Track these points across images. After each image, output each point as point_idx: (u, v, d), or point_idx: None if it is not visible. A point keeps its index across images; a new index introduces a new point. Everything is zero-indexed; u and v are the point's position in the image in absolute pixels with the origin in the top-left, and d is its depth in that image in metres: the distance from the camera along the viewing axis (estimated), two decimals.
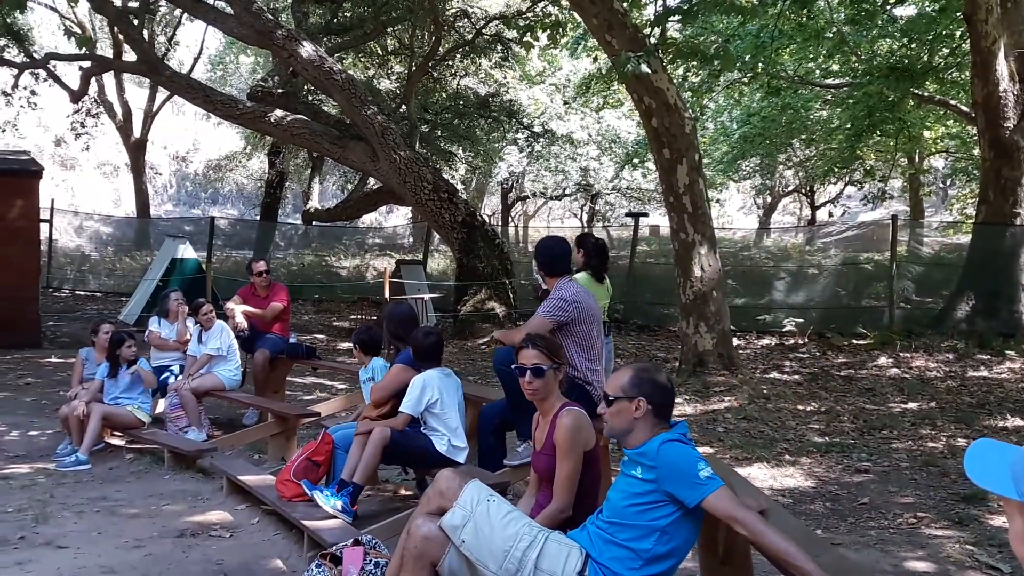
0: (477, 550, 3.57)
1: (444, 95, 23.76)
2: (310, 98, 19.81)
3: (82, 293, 22.78)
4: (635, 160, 24.91)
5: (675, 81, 11.42)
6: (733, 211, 38.41)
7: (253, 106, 16.81)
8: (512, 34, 19.63)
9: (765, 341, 14.29)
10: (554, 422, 4.08)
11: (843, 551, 4.70)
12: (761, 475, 6.94)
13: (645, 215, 21.78)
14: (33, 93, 23.06)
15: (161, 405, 8.47)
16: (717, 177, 25.43)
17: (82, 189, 38.39)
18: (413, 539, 3.75)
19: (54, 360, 12.64)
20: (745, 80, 19.14)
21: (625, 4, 11.20)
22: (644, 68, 9.48)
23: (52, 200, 22.78)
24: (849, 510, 6.15)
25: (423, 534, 3.73)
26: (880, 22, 16.80)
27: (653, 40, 10.34)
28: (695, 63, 13.40)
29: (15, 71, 21.68)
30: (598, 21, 10.69)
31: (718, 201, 29.30)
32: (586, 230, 24.32)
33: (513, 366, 4.36)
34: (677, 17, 11.00)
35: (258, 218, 29.31)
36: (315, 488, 5.44)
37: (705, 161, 13.29)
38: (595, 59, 20.94)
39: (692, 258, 10.90)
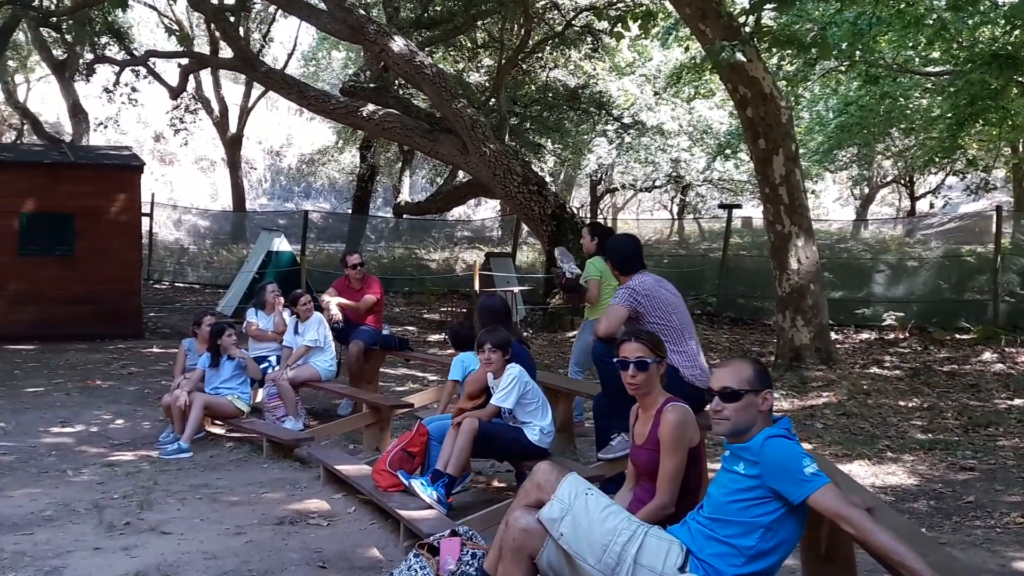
0: (576, 543, 3.55)
1: (533, 87, 23.73)
2: (401, 92, 19.95)
3: (181, 285, 23.38)
4: (727, 151, 24.53)
5: (770, 70, 11.21)
6: (829, 202, 37.56)
7: (345, 101, 16.99)
8: (602, 25, 19.50)
9: (863, 335, 13.98)
10: (658, 417, 4.03)
11: (951, 551, 4.56)
12: (862, 472, 6.78)
13: (738, 207, 21.45)
14: (134, 90, 23.72)
15: (259, 395, 8.63)
16: (812, 168, 24.86)
17: (180, 184, 39.33)
18: (511, 531, 3.74)
19: (156, 350, 12.98)
20: (842, 68, 18.69)
21: None
22: (739, 57, 9.33)
23: (152, 195, 23.39)
24: (954, 509, 5.97)
25: (521, 526, 3.72)
26: (982, 8, 16.23)
27: (748, 29, 10.17)
28: (791, 52, 13.14)
29: (117, 68, 22.31)
30: (691, 10, 10.55)
31: (813, 192, 28.65)
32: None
33: (614, 359, 4.32)
34: (772, 5, 10.78)
35: (350, 212, 29.68)
36: (411, 477, 5.48)
37: (800, 151, 13.01)
38: (686, 49, 20.67)
39: (788, 250, 10.69)
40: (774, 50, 12.25)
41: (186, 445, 7.33)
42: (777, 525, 3.40)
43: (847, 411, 8.91)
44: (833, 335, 12.30)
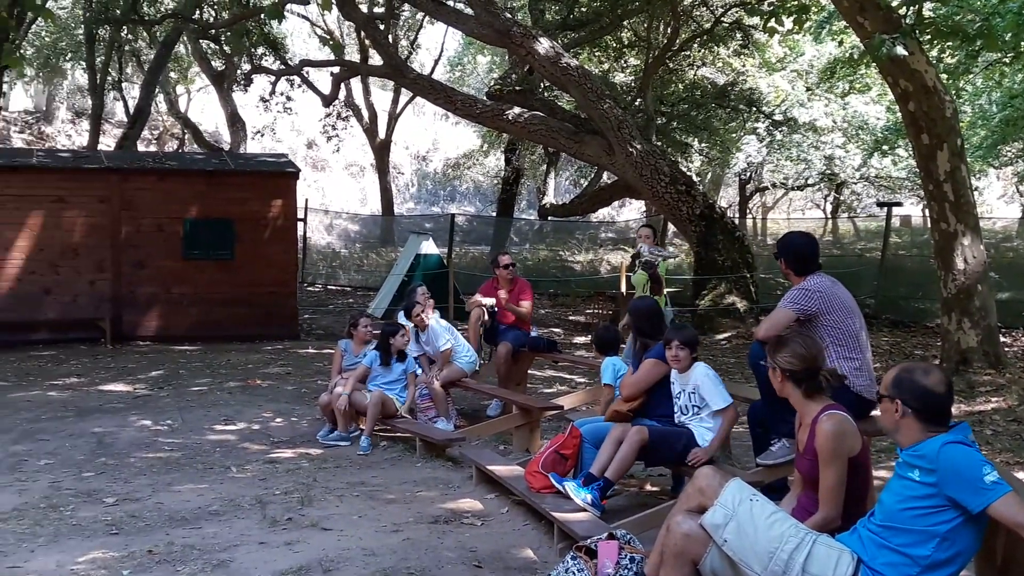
0: (740, 550, 3.46)
1: (680, 86, 23.47)
2: (546, 94, 20.01)
3: (333, 288, 24.01)
4: (884, 147, 23.71)
5: (931, 63, 10.76)
6: (993, 199, 35.92)
7: (491, 104, 17.14)
8: (753, 20, 19.12)
9: None
10: (814, 426, 3.88)
11: None
12: None
13: (898, 204, 20.68)
14: (288, 99, 24.47)
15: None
16: (976, 163, 23.80)
17: (331, 189, 40.47)
18: (673, 536, 3.67)
19: (311, 351, 13.34)
20: (1006, 60, 17.81)
21: None
22: (900, 50, 8.99)
23: (306, 200, 24.11)
24: None
25: (683, 531, 3.65)
26: None
27: (908, 20, 9.77)
28: (953, 44, 12.58)
29: (272, 78, 23.07)
30: (849, 3, 10.18)
31: (976, 189, 27.50)
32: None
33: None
34: None
35: (494, 214, 29.95)
36: (564, 480, 5.45)
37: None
38: (840, 43, 20.10)
39: (954, 249, 10.20)
40: (935, 42, 11.72)
41: (367, 442, 7.48)
42: (954, 535, 3.24)
43: (1018, 417, 8.45)
44: (1001, 338, 11.70)
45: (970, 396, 9.36)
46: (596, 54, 23.86)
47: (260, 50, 23.80)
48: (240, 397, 9.87)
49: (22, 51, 20.70)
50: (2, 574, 4.68)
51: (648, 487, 6.46)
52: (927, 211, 10.81)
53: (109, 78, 26.86)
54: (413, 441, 7.53)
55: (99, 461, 7.09)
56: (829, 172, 26.93)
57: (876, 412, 3.51)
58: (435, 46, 33.72)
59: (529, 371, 9.98)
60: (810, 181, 29.34)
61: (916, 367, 3.53)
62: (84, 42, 25.75)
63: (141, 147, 30.23)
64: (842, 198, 32.85)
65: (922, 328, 14.58)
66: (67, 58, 29.65)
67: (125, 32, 24.23)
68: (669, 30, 20.40)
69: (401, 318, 9.17)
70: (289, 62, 24.42)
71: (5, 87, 25.10)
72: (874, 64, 11.48)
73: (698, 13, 21.40)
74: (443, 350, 8.57)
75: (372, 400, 7.67)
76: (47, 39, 28.76)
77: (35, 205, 13.65)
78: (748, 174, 30.84)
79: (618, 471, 5.37)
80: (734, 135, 25.98)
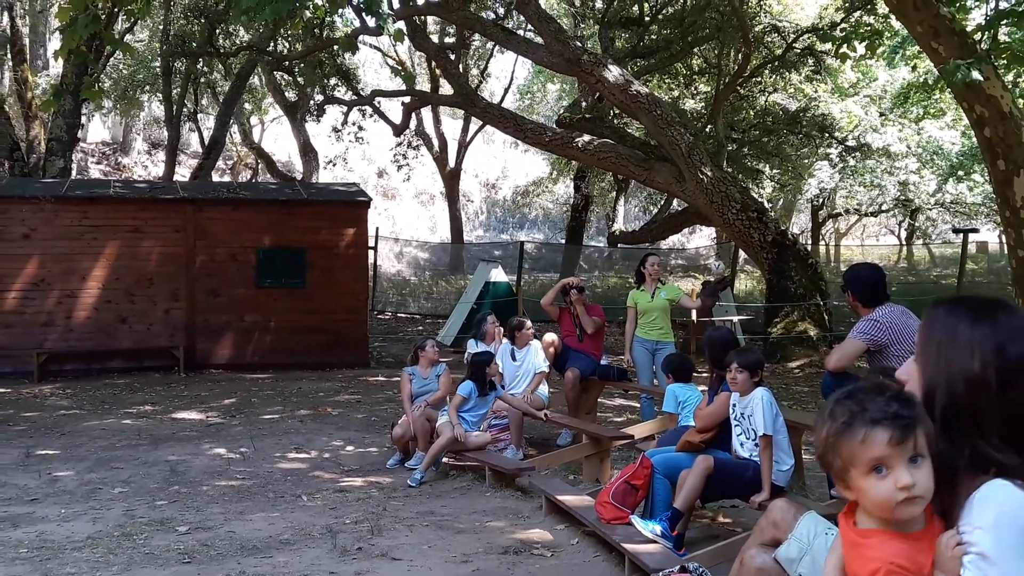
0: None
1: (751, 112, 23.31)
2: (616, 122, 19.98)
3: (403, 315, 24.15)
4: (960, 172, 23.24)
5: (1008, 88, 10.52)
6: None
7: (561, 132, 17.15)
8: (825, 47, 18.92)
9: None
10: None
11: None
12: None
13: (975, 231, 20.24)
14: (360, 128, 24.80)
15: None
16: None
17: (401, 217, 40.81)
18: (747, 570, 3.58)
19: (380, 379, 13.41)
20: None
21: (951, 9, 10.43)
22: (975, 75, 8.79)
23: (376, 228, 24.34)
24: None
25: (757, 565, 3.55)
26: None
27: (984, 45, 9.57)
28: None
29: (344, 108, 23.41)
30: (923, 28, 10.00)
31: None
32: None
33: None
34: (1009, 20, 10.12)
35: (563, 241, 29.93)
36: (633, 514, 5.37)
37: None
38: (914, 68, 19.78)
39: None
40: (1011, 67, 11.48)
41: (421, 475, 7.37)
42: None
43: None
44: None
45: None
46: (666, 81, 23.83)
47: (332, 81, 24.16)
48: (311, 425, 9.95)
49: (100, 83, 21.24)
50: None
51: (721, 519, 6.34)
52: (1004, 237, 10.51)
53: (185, 109, 27.53)
54: (482, 470, 7.49)
55: (172, 489, 7.18)
56: (903, 198, 26.47)
57: None
58: (505, 75, 33.94)
59: (599, 400, 9.90)
60: (884, 207, 28.87)
61: None
62: (161, 74, 26.42)
63: (215, 177, 30.82)
64: (917, 224, 32.25)
65: None
66: (144, 90, 30.38)
67: (201, 64, 24.77)
68: (740, 56, 20.27)
69: (471, 346, 9.15)
70: (361, 92, 24.77)
71: (83, 119, 25.83)
72: (949, 89, 11.26)
73: (769, 40, 21.25)
74: (541, 371, 8.55)
75: (446, 431, 7.48)
76: (125, 71, 29.52)
77: (112, 235, 13.98)
78: (821, 200, 30.46)
79: (686, 501, 5.27)
80: (806, 161, 25.68)
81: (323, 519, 6.23)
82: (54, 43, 33.14)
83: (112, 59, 25.65)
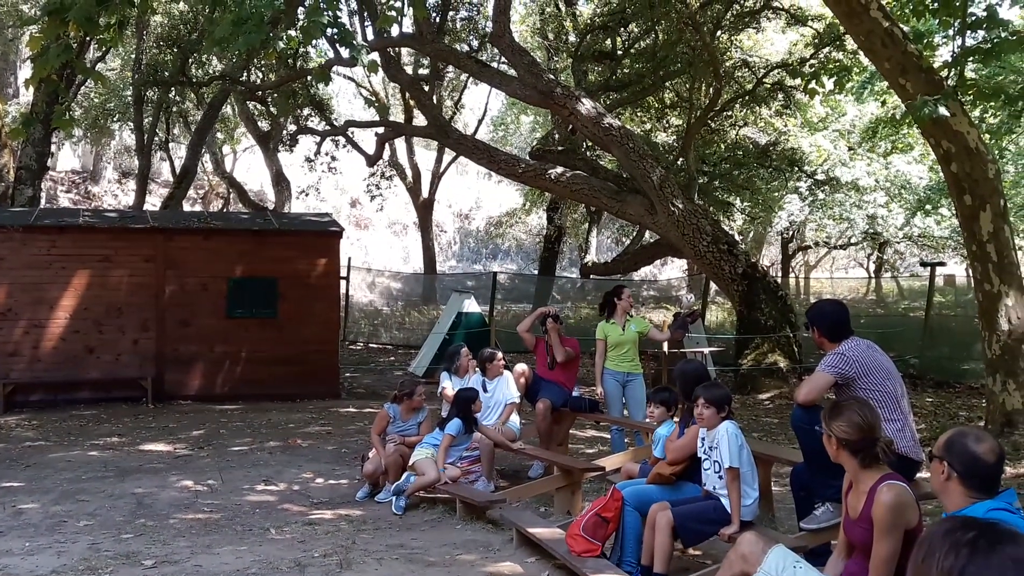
0: None
1: (722, 145, 23.53)
2: (589, 154, 20.10)
3: (374, 346, 24.05)
4: (927, 206, 23.52)
5: (973, 123, 10.70)
6: None
7: (534, 164, 17.23)
8: (794, 82, 19.17)
9: None
10: (872, 495, 3.79)
11: None
12: None
13: (942, 264, 20.47)
14: (333, 159, 24.82)
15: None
16: (1019, 223, 23.54)
17: (374, 247, 40.79)
18: None
19: (352, 410, 13.33)
20: None
21: (918, 47, 10.60)
22: (942, 111, 8.95)
23: (349, 258, 24.30)
24: None
25: None
26: None
27: (951, 82, 9.74)
28: (995, 104, 12.54)
29: (317, 138, 23.44)
30: (891, 65, 10.17)
31: (1021, 249, 27.17)
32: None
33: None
34: (975, 57, 10.31)
35: (536, 272, 30.00)
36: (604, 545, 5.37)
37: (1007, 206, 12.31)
38: (883, 103, 20.06)
39: (998, 310, 10.05)
40: (978, 103, 11.67)
41: (405, 501, 7.43)
42: None
43: None
44: None
45: (1015, 458, 9.14)
46: (638, 114, 24.01)
47: (306, 111, 24.20)
48: (280, 457, 9.86)
49: (71, 112, 21.16)
50: None
51: (691, 551, 6.33)
52: (971, 271, 10.65)
53: (156, 138, 27.40)
54: (453, 503, 7.46)
55: (139, 522, 7.09)
56: (872, 231, 26.73)
57: (922, 474, 3.40)
58: (479, 106, 34.08)
59: (571, 431, 9.88)
60: (853, 240, 29.13)
61: (970, 432, 3.44)
62: (132, 103, 26.34)
63: (187, 206, 30.71)
64: (885, 257, 32.56)
65: (966, 388, 14.34)
66: (115, 119, 30.28)
67: (173, 94, 24.75)
68: (711, 91, 20.48)
69: (444, 378, 9.12)
70: (334, 123, 24.81)
71: (53, 147, 25.69)
72: (916, 125, 11.42)
73: (740, 74, 21.51)
74: (512, 401, 8.54)
75: (430, 471, 7.53)
76: (96, 100, 29.39)
77: (81, 264, 13.81)
78: (790, 233, 30.71)
79: (663, 562, 5.25)
80: (776, 194, 25.92)
81: (292, 552, 6.16)
82: (25, 71, 33.04)
83: (83, 87, 25.58)
